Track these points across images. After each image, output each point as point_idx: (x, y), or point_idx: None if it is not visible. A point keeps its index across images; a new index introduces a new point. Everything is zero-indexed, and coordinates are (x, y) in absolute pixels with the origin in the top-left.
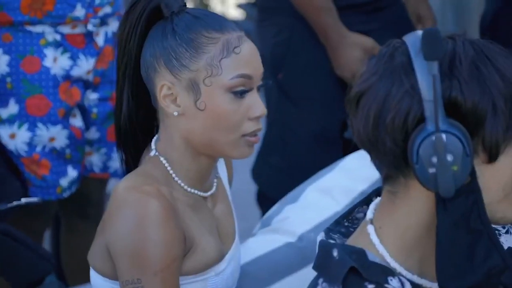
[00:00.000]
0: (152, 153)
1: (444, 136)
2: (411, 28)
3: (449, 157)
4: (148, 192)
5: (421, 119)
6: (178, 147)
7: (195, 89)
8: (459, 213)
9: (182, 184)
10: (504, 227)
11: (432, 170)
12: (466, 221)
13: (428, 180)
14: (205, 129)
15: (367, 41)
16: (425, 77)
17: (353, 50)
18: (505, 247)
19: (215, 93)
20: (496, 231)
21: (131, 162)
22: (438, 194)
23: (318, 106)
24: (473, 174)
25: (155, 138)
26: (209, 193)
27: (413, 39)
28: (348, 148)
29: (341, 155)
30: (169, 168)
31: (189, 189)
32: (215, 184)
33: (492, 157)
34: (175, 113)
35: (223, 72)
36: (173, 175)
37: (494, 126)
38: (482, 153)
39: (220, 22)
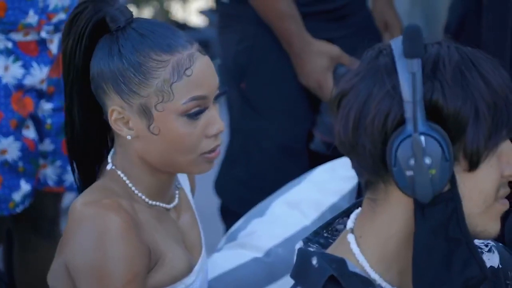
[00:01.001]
0: (109, 166)
1: (423, 138)
2: (377, 36)
3: (427, 160)
4: (107, 206)
5: (401, 121)
6: (135, 163)
7: (147, 114)
8: (438, 220)
9: (143, 197)
10: (486, 245)
11: (409, 173)
12: (445, 229)
13: (406, 184)
14: (162, 152)
15: (333, 49)
16: (407, 78)
17: (318, 58)
18: (487, 266)
19: (168, 118)
20: (479, 250)
21: (85, 176)
22: (417, 201)
23: (282, 117)
24: (453, 181)
25: (111, 151)
26: (172, 205)
27: (399, 42)
28: (314, 160)
29: (307, 167)
30: (127, 181)
31: (150, 201)
32: (177, 195)
33: (472, 165)
34: (128, 137)
35: (175, 97)
36: (133, 188)
37: (476, 132)
38: (463, 160)
39: (168, 41)
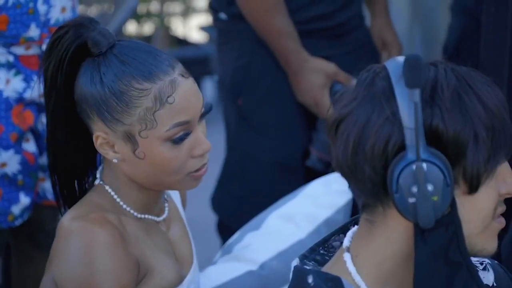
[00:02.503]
0: (97, 181)
1: (424, 165)
2: (375, 54)
3: (430, 187)
4: (93, 220)
5: (402, 147)
6: (122, 181)
7: (132, 140)
8: (438, 244)
9: (132, 211)
10: (482, 263)
11: (412, 200)
12: (445, 252)
13: (408, 210)
14: (148, 174)
15: (329, 67)
16: (406, 104)
17: (315, 75)
18: None
19: (152, 144)
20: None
21: (68, 192)
22: (417, 225)
23: (279, 133)
24: (453, 204)
25: (100, 167)
26: (161, 217)
27: (394, 64)
28: (310, 176)
29: (303, 184)
30: (115, 196)
31: (139, 215)
32: (166, 207)
33: (473, 188)
34: (115, 160)
35: (158, 125)
36: (121, 202)
37: (476, 156)
38: (463, 184)
39: (150, 67)
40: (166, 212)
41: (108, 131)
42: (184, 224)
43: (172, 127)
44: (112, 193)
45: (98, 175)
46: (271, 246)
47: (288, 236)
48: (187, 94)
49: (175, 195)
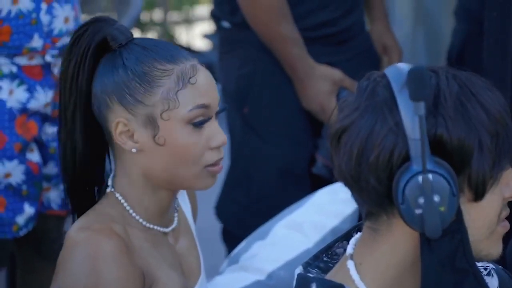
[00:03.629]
0: (108, 189)
1: (430, 176)
2: (377, 59)
3: (436, 198)
4: (99, 230)
5: (406, 157)
6: (136, 184)
7: (152, 124)
8: (445, 253)
9: (141, 220)
10: (486, 269)
11: (418, 211)
12: (452, 260)
13: (414, 220)
14: (166, 164)
15: (335, 73)
16: (410, 115)
17: (321, 82)
18: None
19: (174, 127)
20: None
21: (80, 200)
22: (423, 234)
23: (284, 141)
24: (459, 213)
25: (111, 174)
26: (170, 228)
27: (394, 72)
28: (316, 184)
29: (309, 191)
30: (125, 204)
31: (148, 224)
32: (176, 218)
33: (478, 196)
34: (133, 150)
35: (181, 105)
36: (130, 211)
37: (481, 163)
38: (468, 191)
39: (171, 52)
40: (176, 222)
41: (129, 117)
42: (193, 237)
43: (194, 108)
44: (123, 201)
45: (109, 183)
46: (278, 255)
47: (296, 245)
48: (207, 80)
49: (185, 205)
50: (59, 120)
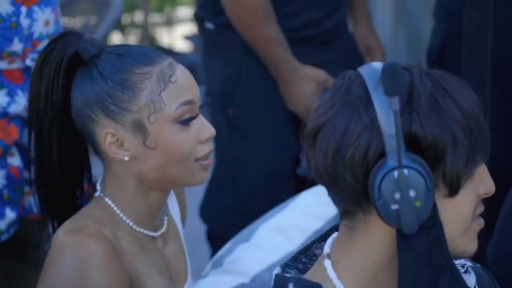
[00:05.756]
0: (97, 194)
1: (406, 171)
2: (361, 59)
3: (412, 193)
4: (87, 233)
5: (382, 154)
6: (128, 189)
7: (141, 129)
8: (421, 249)
9: (131, 224)
10: (463, 266)
11: (394, 207)
12: (428, 256)
13: (391, 216)
14: (159, 166)
15: (320, 74)
16: (385, 111)
17: (306, 83)
18: None
19: (162, 128)
20: None
21: (54, 208)
22: (400, 230)
23: (269, 142)
24: (434, 208)
25: (100, 179)
26: (159, 232)
27: (369, 71)
28: (301, 185)
29: (294, 192)
30: (115, 208)
31: (138, 228)
32: (165, 222)
33: (453, 191)
34: (126, 158)
35: (166, 105)
36: (121, 214)
37: (455, 159)
38: (443, 187)
39: (146, 54)
40: (165, 226)
41: (117, 126)
42: (181, 242)
43: (179, 106)
44: (112, 205)
45: (98, 187)
46: (262, 258)
47: (279, 248)
48: (186, 76)
49: (174, 210)
50: (34, 138)
